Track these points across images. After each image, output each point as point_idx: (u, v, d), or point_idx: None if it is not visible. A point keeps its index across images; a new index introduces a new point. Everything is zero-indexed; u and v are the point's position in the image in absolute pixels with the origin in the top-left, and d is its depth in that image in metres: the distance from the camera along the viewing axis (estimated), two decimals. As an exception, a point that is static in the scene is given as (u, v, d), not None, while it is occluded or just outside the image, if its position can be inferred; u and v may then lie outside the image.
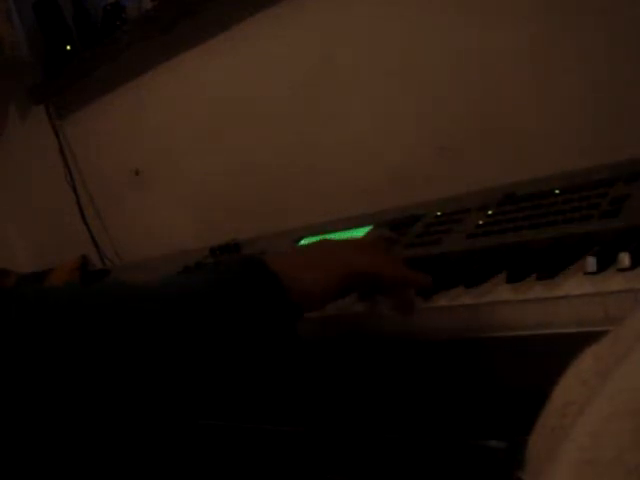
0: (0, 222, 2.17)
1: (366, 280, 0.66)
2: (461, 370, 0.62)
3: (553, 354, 0.53)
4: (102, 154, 1.86)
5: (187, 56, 1.57)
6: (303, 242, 1.15)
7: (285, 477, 0.81)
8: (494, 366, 0.60)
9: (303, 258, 0.65)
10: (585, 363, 0.40)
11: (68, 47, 1.81)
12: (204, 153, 1.61)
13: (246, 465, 0.86)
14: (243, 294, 0.59)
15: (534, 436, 0.40)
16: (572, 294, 0.56)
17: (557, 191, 0.86)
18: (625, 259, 0.57)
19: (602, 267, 0.59)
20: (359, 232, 1.04)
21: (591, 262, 0.59)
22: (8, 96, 2.04)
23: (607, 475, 0.30)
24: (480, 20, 1.12)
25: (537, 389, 0.42)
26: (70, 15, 1.82)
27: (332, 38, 1.32)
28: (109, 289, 0.58)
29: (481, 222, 0.86)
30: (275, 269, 0.60)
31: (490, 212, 0.89)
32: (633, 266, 0.57)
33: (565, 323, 0.55)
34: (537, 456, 0.39)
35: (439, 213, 0.97)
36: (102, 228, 1.92)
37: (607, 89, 1.01)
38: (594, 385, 0.36)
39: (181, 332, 0.55)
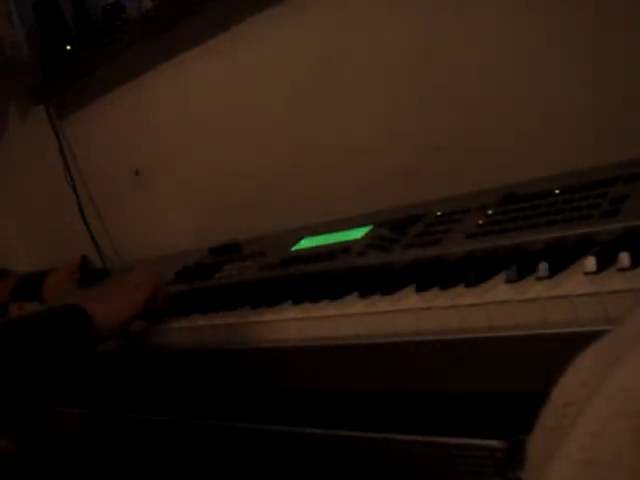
0: (0, 222, 2.17)
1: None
2: (461, 370, 0.62)
3: (553, 354, 0.53)
4: (102, 154, 1.86)
5: (187, 56, 1.57)
6: (303, 242, 1.15)
7: (285, 477, 0.81)
8: (494, 366, 0.60)
9: (111, 298, 0.92)
10: (585, 363, 0.40)
11: (68, 47, 1.81)
12: (204, 153, 1.61)
13: (246, 465, 0.86)
14: (56, 330, 0.82)
15: (534, 436, 0.40)
16: (572, 294, 0.56)
17: (557, 191, 0.86)
18: (625, 259, 0.57)
19: (602, 267, 0.59)
20: (359, 232, 1.04)
21: (591, 262, 0.59)
22: (8, 96, 2.04)
23: (607, 475, 0.30)
24: (480, 20, 1.12)
25: (537, 389, 0.42)
26: (70, 15, 1.82)
27: (332, 38, 1.32)
28: None
29: (481, 222, 0.86)
30: (90, 312, 0.84)
31: (490, 212, 0.89)
32: (633, 266, 0.57)
33: (565, 323, 0.55)
34: (537, 456, 0.39)
35: (439, 213, 0.97)
36: (102, 228, 1.92)
37: (607, 89, 1.01)
38: (594, 385, 0.36)
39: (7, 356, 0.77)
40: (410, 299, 0.69)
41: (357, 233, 1.05)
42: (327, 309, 0.76)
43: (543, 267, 0.62)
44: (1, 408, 0.76)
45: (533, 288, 0.60)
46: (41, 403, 0.82)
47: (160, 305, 1.00)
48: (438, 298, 0.66)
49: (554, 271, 0.62)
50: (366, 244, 0.98)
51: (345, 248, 1.01)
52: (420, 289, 0.70)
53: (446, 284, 0.68)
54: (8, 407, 0.76)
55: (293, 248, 1.14)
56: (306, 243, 1.14)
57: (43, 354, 0.80)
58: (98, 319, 0.85)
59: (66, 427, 1.13)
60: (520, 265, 0.65)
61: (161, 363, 0.97)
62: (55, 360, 0.81)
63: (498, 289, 0.63)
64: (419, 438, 0.66)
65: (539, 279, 0.62)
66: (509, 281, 0.64)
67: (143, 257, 1.73)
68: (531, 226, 0.78)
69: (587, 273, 0.59)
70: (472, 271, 0.68)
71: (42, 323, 0.83)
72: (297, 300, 0.83)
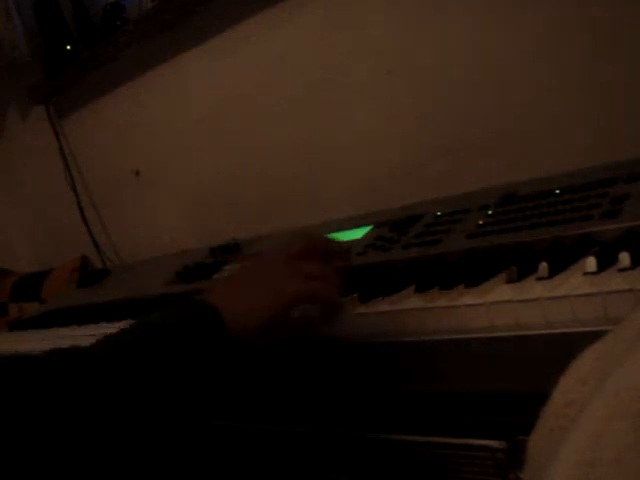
0: (0, 222, 2.17)
1: (300, 303, 0.69)
2: (461, 370, 0.62)
3: (553, 354, 0.53)
4: (102, 154, 1.86)
5: (187, 56, 1.57)
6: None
7: (285, 477, 0.81)
8: (494, 366, 0.60)
9: (240, 290, 0.68)
10: (585, 363, 0.40)
11: (68, 47, 1.81)
12: (204, 153, 1.61)
13: (246, 465, 0.86)
14: (183, 338, 0.63)
15: (534, 436, 0.40)
16: (572, 294, 0.56)
17: (557, 191, 0.86)
18: (625, 259, 0.57)
19: (602, 267, 0.59)
20: (359, 232, 1.04)
21: (591, 262, 0.59)
22: (8, 96, 2.04)
23: (608, 475, 0.30)
24: (480, 20, 1.12)
25: (537, 389, 0.42)
26: (70, 15, 1.82)
27: (332, 38, 1.32)
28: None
29: (481, 222, 0.86)
30: (219, 311, 0.64)
31: (490, 212, 0.89)
32: (633, 266, 0.57)
33: (565, 323, 0.55)
34: (537, 456, 0.39)
35: (439, 213, 0.97)
36: (102, 228, 1.92)
37: (607, 89, 1.01)
38: (594, 385, 0.36)
39: (129, 380, 0.60)
40: (410, 299, 0.69)
41: (357, 233, 1.05)
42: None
43: (543, 267, 0.62)
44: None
45: (533, 288, 0.60)
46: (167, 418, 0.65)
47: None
48: (438, 298, 0.66)
49: (554, 271, 0.62)
50: (366, 244, 0.98)
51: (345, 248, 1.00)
52: (420, 289, 0.70)
53: (446, 284, 0.68)
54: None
55: (293, 248, 1.14)
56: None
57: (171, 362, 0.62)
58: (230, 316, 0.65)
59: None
60: (520, 265, 0.65)
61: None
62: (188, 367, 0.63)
63: (498, 289, 0.63)
64: (419, 438, 0.66)
65: (539, 279, 0.62)
66: (509, 281, 0.64)
67: (143, 257, 1.73)
68: (531, 226, 0.78)
69: (587, 273, 0.59)
70: (472, 271, 0.68)
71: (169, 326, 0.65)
72: (297, 300, 0.82)
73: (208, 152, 1.60)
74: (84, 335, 1.03)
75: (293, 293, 0.66)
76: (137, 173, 1.77)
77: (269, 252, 0.78)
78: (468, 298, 0.63)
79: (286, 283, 0.67)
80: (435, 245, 0.86)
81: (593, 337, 0.41)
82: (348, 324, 0.71)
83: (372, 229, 1.04)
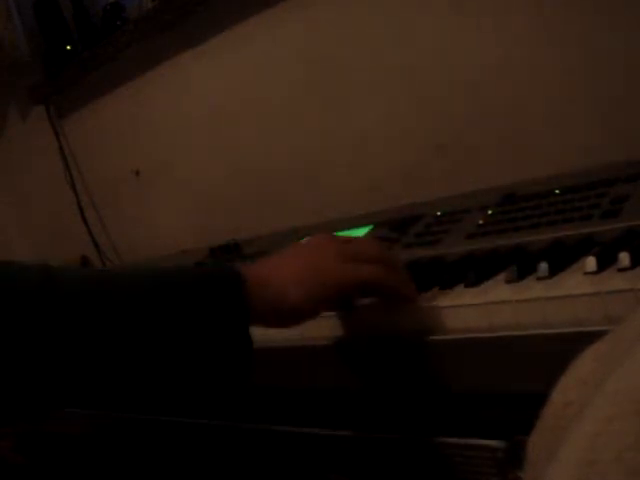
0: (0, 222, 2.17)
1: (361, 290, 0.62)
2: (461, 370, 0.62)
3: (553, 354, 0.53)
4: (102, 154, 1.86)
5: (187, 56, 1.57)
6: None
7: (285, 477, 0.81)
8: (494, 366, 0.59)
9: (286, 272, 0.58)
10: (585, 363, 0.40)
11: (68, 47, 1.81)
12: (204, 153, 1.61)
13: (246, 465, 0.86)
14: (199, 306, 0.53)
15: (534, 436, 0.40)
16: (572, 294, 0.56)
17: (557, 191, 0.86)
18: (625, 259, 0.57)
19: (602, 267, 0.59)
20: (359, 232, 1.04)
21: (591, 262, 0.59)
22: (8, 96, 2.04)
23: (608, 476, 0.30)
24: (479, 20, 1.12)
25: (537, 389, 0.42)
26: (70, 15, 1.82)
27: (332, 38, 1.32)
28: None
29: (481, 222, 0.86)
30: (252, 288, 0.55)
31: (490, 212, 0.89)
32: (633, 266, 0.57)
33: (565, 323, 0.55)
34: (537, 456, 0.39)
35: (439, 213, 0.97)
36: (102, 228, 1.92)
37: (607, 89, 1.01)
38: (594, 385, 0.36)
39: (125, 325, 0.51)
40: (410, 299, 0.69)
41: (357, 233, 1.05)
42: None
43: (543, 267, 0.62)
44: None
45: (533, 288, 0.60)
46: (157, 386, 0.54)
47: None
48: (438, 298, 0.66)
49: (554, 271, 0.62)
50: (366, 244, 0.98)
51: (345, 248, 1.00)
52: (420, 289, 0.70)
53: (446, 284, 0.68)
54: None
55: (293, 248, 1.14)
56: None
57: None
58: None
59: (68, 427, 1.13)
60: (520, 265, 0.65)
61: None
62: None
63: (498, 289, 0.63)
64: (419, 438, 0.66)
65: (539, 279, 0.62)
66: (509, 281, 0.64)
67: (143, 257, 1.73)
68: (531, 226, 0.78)
69: (587, 273, 0.59)
70: (472, 271, 0.68)
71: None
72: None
73: (208, 152, 1.60)
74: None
75: (353, 278, 0.58)
76: (137, 173, 1.77)
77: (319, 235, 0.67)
78: (468, 298, 0.63)
79: (334, 271, 0.58)
80: (435, 245, 0.86)
81: (593, 337, 0.41)
82: (348, 324, 0.71)
83: (372, 229, 1.04)
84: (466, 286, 0.66)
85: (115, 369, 0.51)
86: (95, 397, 0.55)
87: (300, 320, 0.59)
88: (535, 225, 0.77)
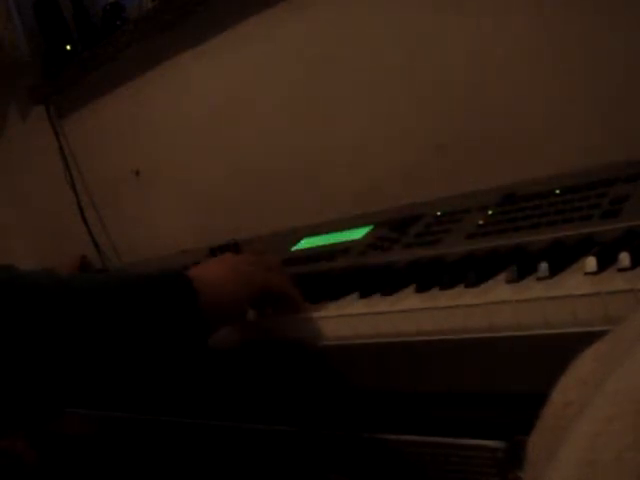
0: (0, 222, 2.17)
1: (269, 296, 0.75)
2: (461, 370, 0.62)
3: (553, 354, 0.53)
4: (102, 154, 1.86)
5: (187, 56, 1.57)
6: (303, 242, 1.15)
7: (285, 477, 0.81)
8: (494, 366, 0.60)
9: (222, 273, 0.71)
10: (585, 363, 0.40)
11: (68, 47, 1.81)
12: (204, 153, 1.61)
13: (245, 465, 0.86)
14: (158, 302, 0.65)
15: (534, 436, 0.40)
16: (572, 294, 0.56)
17: (557, 191, 0.86)
18: (625, 259, 0.57)
19: (602, 267, 0.59)
20: (359, 232, 1.04)
21: (591, 262, 0.59)
22: (8, 96, 2.04)
23: (608, 475, 0.30)
24: (479, 20, 1.12)
25: (537, 389, 0.42)
26: (70, 15, 1.82)
27: (332, 38, 1.32)
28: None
29: (481, 222, 0.86)
30: (196, 286, 0.67)
31: (490, 212, 0.89)
32: (633, 266, 0.57)
33: (565, 323, 0.55)
34: (537, 456, 0.39)
35: (439, 213, 0.97)
36: (102, 228, 1.92)
37: (607, 89, 1.01)
38: (594, 385, 0.36)
39: (89, 322, 0.61)
40: (410, 299, 0.69)
41: (357, 233, 1.05)
42: (327, 309, 0.76)
43: (543, 267, 0.62)
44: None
45: (533, 288, 0.60)
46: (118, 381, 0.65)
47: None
48: (438, 298, 0.66)
49: (554, 271, 0.62)
50: (366, 244, 0.98)
51: (345, 248, 1.01)
52: (420, 289, 0.70)
53: (446, 284, 0.68)
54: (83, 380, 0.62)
55: (293, 248, 1.14)
56: (306, 243, 1.14)
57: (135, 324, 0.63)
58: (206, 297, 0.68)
59: (76, 428, 1.13)
60: (520, 265, 0.65)
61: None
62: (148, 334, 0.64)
63: (498, 289, 0.63)
64: (419, 438, 0.66)
65: (539, 279, 0.62)
66: (509, 281, 0.64)
67: (143, 257, 1.73)
68: (531, 226, 0.78)
69: (587, 273, 0.59)
70: (472, 271, 0.68)
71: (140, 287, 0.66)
72: (297, 300, 0.83)
73: (208, 152, 1.60)
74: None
75: (263, 281, 0.73)
76: (137, 173, 1.77)
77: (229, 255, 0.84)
78: (468, 298, 0.63)
79: (255, 273, 0.73)
80: (435, 245, 0.86)
81: (593, 337, 0.41)
82: (348, 324, 0.71)
83: (372, 229, 1.04)
84: (466, 286, 0.66)
85: (110, 353, 0.62)
86: (98, 381, 0.64)
87: (235, 312, 0.72)
88: (535, 225, 0.77)
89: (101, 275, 0.71)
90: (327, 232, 1.12)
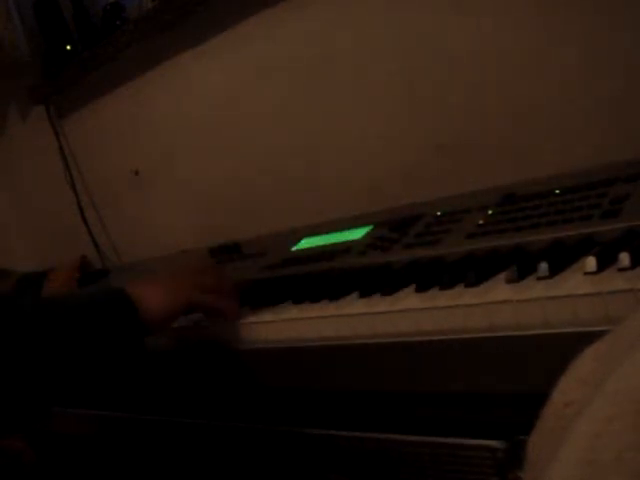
0: (0, 222, 2.17)
1: (197, 308, 0.89)
2: (461, 370, 0.62)
3: (553, 354, 0.53)
4: (102, 154, 1.86)
5: (187, 56, 1.57)
6: (303, 242, 1.15)
7: (285, 477, 0.81)
8: (494, 366, 0.60)
9: (156, 289, 0.85)
10: (585, 363, 0.40)
11: (68, 47, 1.81)
12: (204, 153, 1.61)
13: (245, 465, 0.86)
14: (101, 313, 0.79)
15: (534, 436, 0.40)
16: (572, 294, 0.56)
17: (557, 191, 0.86)
18: (625, 259, 0.57)
19: (602, 267, 0.59)
20: (359, 232, 1.04)
21: (591, 262, 0.59)
22: (8, 96, 2.04)
23: (608, 475, 0.30)
24: (479, 20, 1.12)
25: (537, 389, 0.42)
26: (70, 15, 1.82)
27: (331, 38, 1.32)
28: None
29: (481, 222, 0.86)
30: (134, 298, 0.81)
31: (490, 212, 0.89)
32: (633, 266, 0.57)
33: (565, 323, 0.55)
34: (537, 456, 0.39)
35: (439, 213, 0.97)
36: (102, 228, 1.92)
37: (607, 89, 1.01)
38: (594, 385, 0.36)
39: (49, 334, 0.75)
40: (410, 299, 0.69)
41: (357, 233, 1.05)
42: (327, 309, 0.76)
43: (543, 267, 0.62)
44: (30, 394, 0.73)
45: (533, 288, 0.60)
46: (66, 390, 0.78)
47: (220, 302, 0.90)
48: (438, 298, 0.66)
49: (554, 271, 0.62)
50: (366, 244, 0.98)
51: (345, 248, 1.01)
52: (420, 289, 0.70)
53: (446, 284, 0.68)
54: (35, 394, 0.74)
55: (293, 248, 1.14)
56: (306, 243, 1.14)
57: (83, 337, 0.77)
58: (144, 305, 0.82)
59: (75, 428, 1.13)
60: (520, 265, 0.65)
61: (162, 362, 0.97)
62: (96, 344, 0.77)
63: (498, 289, 0.63)
64: (419, 438, 0.66)
65: (539, 279, 0.62)
66: (509, 281, 0.64)
67: (143, 257, 1.73)
68: (531, 226, 0.78)
69: (587, 273, 0.59)
70: (472, 271, 0.68)
71: (84, 305, 0.80)
72: (297, 300, 0.83)
73: (208, 152, 1.60)
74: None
75: (186, 298, 0.86)
76: (137, 173, 1.77)
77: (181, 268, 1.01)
78: (468, 298, 0.63)
79: (185, 292, 0.86)
80: (435, 245, 0.86)
81: (593, 337, 0.41)
82: (349, 324, 0.71)
83: (372, 229, 1.04)
84: (466, 286, 0.66)
85: (73, 359, 0.76)
86: (70, 382, 0.78)
87: (166, 317, 0.85)
88: (535, 225, 0.77)
89: (68, 296, 0.89)
90: (327, 232, 1.12)
